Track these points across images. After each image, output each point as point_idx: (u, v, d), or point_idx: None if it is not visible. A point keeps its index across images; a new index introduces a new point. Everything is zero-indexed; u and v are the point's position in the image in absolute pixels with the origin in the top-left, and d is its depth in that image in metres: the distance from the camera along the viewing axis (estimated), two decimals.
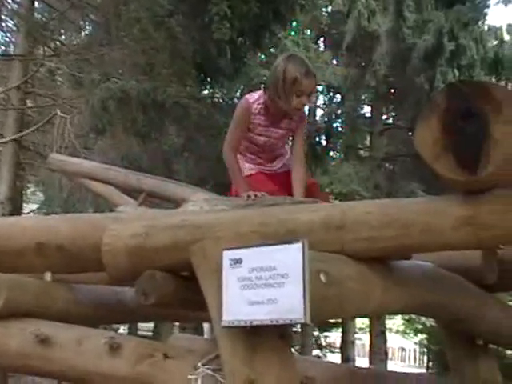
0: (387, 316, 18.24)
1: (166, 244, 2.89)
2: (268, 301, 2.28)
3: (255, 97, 3.92)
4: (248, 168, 4.11)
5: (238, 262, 2.38)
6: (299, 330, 19.84)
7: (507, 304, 3.93)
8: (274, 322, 2.26)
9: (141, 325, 18.66)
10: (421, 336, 27.69)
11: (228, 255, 2.41)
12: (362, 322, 27.13)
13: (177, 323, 15.29)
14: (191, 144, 13.99)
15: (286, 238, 2.44)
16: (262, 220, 2.84)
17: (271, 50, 15.54)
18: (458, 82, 2.70)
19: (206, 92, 15.57)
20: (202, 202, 3.54)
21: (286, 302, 2.24)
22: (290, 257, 2.29)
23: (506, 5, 19.07)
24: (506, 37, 13.77)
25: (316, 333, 24.80)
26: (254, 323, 2.29)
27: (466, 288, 3.27)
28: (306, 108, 4.23)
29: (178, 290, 2.87)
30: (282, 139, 4.09)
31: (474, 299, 3.33)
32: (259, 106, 3.87)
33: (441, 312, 3.24)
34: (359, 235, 2.68)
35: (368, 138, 19.36)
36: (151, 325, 18.92)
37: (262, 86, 4.07)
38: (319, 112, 19.75)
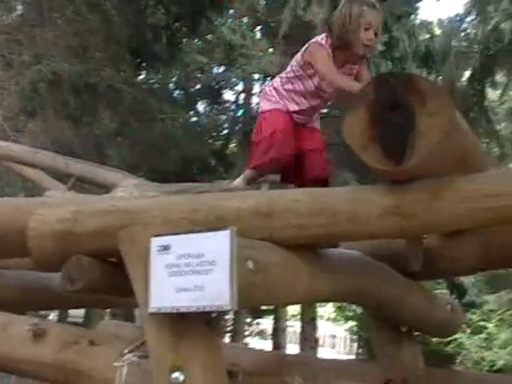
0: (319, 303, 18.45)
1: (94, 229, 2.86)
2: (195, 288, 2.28)
3: (323, 40, 3.80)
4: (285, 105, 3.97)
5: (166, 248, 2.37)
6: (232, 316, 19.89)
7: (432, 292, 4.04)
8: (201, 309, 2.26)
9: (71, 311, 18.40)
10: (351, 323, 28.16)
11: (156, 241, 2.40)
12: (294, 309, 27.38)
13: (108, 310, 15.15)
14: (125, 129, 13.84)
15: (214, 225, 2.45)
16: (191, 206, 2.83)
17: (207, 36, 15.46)
18: (386, 74, 2.76)
19: (141, 77, 15.40)
20: (132, 188, 3.51)
21: (214, 288, 2.25)
22: (218, 244, 2.29)
23: (437, 0, 19.46)
24: (437, 31, 14.05)
25: (248, 320, 24.92)
26: (181, 310, 2.29)
27: (391, 276, 3.34)
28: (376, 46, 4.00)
29: (105, 276, 2.85)
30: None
31: (399, 287, 3.40)
32: (329, 50, 3.76)
33: (367, 299, 3.30)
34: (288, 223, 2.70)
35: None
36: (82, 311, 18.68)
37: (326, 30, 3.87)
38: (255, 100, 19.75)
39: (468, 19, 13.03)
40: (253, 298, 2.45)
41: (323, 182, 3.80)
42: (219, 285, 2.23)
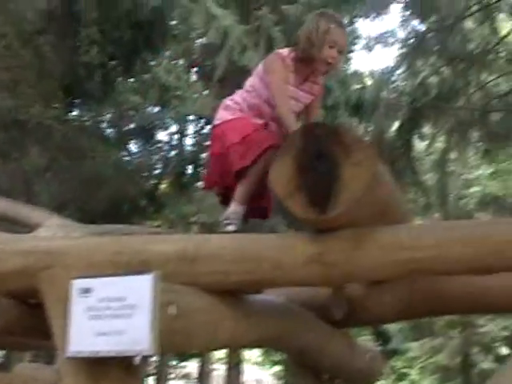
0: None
1: (14, 269, 2.79)
2: (115, 332, 2.25)
3: (286, 52, 3.71)
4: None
5: (86, 291, 2.34)
6: (156, 359, 19.57)
7: (353, 340, 4.07)
8: (121, 354, 2.24)
9: None
10: (278, 368, 28.02)
11: (77, 284, 2.37)
12: (220, 353, 27.12)
13: (28, 352, 14.69)
14: (54, 165, 13.62)
15: (138, 269, 2.43)
16: (116, 249, 2.81)
17: (142, 76, 15.46)
18: (313, 124, 2.82)
19: (73, 114, 15.24)
20: (56, 228, 3.45)
21: (134, 333, 2.23)
22: (140, 288, 2.28)
23: (368, 51, 20.03)
24: (369, 82, 14.42)
25: (173, 362, 24.54)
26: (100, 355, 2.26)
27: (314, 323, 3.37)
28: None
29: (23, 318, 2.79)
30: (301, 107, 3.80)
31: (321, 334, 3.43)
32: (291, 63, 3.66)
33: (288, 345, 3.31)
34: (213, 268, 2.71)
35: None
36: (0, 352, 18.06)
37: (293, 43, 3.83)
38: (188, 141, 19.78)
39: (398, 72, 13.42)
40: (174, 344, 2.44)
41: None
42: (140, 329, 2.21)
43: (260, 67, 3.78)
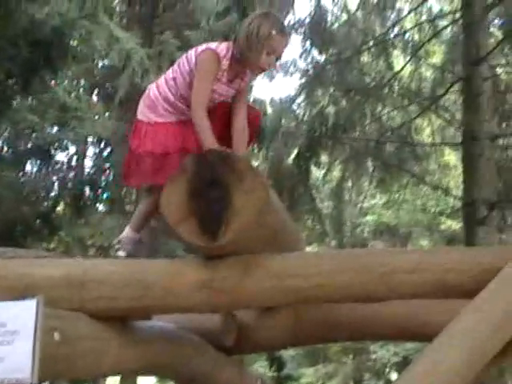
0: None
1: None
2: None
3: (223, 51, 3.51)
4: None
5: None
6: None
7: (244, 367, 4.09)
8: (0, 382, 2.16)
9: None
10: None
11: None
12: (115, 379, 26.51)
13: None
14: None
15: (21, 294, 2.37)
16: None
17: (41, 95, 15.11)
18: (206, 151, 2.83)
19: None
20: None
21: (14, 360, 2.16)
22: (22, 313, 2.22)
23: (270, 80, 20.31)
24: (269, 110, 14.63)
25: None
26: None
27: (204, 350, 3.36)
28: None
29: None
30: (226, 98, 3.64)
31: (211, 362, 3.42)
32: (227, 62, 3.50)
33: (178, 373, 3.29)
34: (101, 294, 2.67)
35: (134, 193, 19.33)
36: None
37: (232, 38, 3.62)
38: (88, 163, 19.43)
39: (298, 101, 13.70)
40: (56, 371, 2.39)
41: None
42: (21, 356, 2.15)
43: (189, 58, 3.55)
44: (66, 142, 17.89)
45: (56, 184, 17.72)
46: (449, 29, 13.08)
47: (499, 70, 12.06)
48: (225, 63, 3.47)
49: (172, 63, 12.73)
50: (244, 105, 3.67)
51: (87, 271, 2.71)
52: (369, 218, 21.34)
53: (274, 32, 3.39)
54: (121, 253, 3.37)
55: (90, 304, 2.67)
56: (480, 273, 2.51)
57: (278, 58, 3.51)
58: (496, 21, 12.29)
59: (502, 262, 2.49)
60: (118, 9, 18.15)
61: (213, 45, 3.53)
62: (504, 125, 12.25)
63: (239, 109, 3.62)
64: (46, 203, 16.89)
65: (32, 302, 2.23)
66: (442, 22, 13.04)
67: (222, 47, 3.50)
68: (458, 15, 11.67)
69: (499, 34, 11.98)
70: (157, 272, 2.72)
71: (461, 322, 2.41)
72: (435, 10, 14.43)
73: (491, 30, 11.62)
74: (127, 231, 3.54)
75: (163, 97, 3.61)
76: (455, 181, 15.31)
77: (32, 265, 2.82)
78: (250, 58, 3.44)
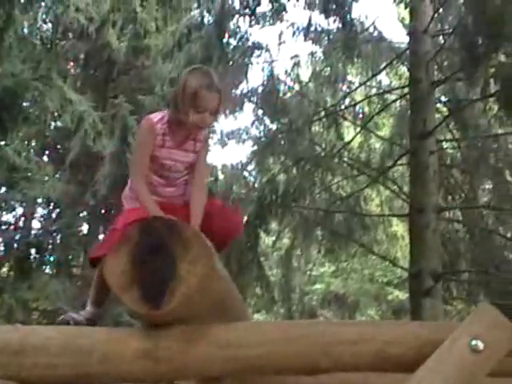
0: None
1: None
2: None
3: (158, 116, 3.42)
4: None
5: None
6: None
7: None
8: None
9: None
10: None
11: None
12: None
13: None
14: None
15: None
16: None
17: None
18: (150, 218, 2.83)
19: None
20: None
21: None
22: None
23: (222, 147, 20.54)
24: (221, 176, 14.73)
25: None
26: None
27: None
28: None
29: None
30: (188, 164, 3.50)
31: None
32: (164, 126, 3.37)
33: None
34: (38, 361, 2.60)
35: (82, 256, 19.09)
36: None
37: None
38: (36, 225, 19.16)
39: (249, 168, 13.83)
40: None
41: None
42: None
43: None
44: (13, 203, 17.66)
45: (1, 245, 17.38)
46: (397, 103, 13.47)
47: (445, 145, 12.41)
48: (161, 127, 3.40)
49: (125, 127, 12.72)
50: (201, 169, 3.53)
51: (25, 338, 2.64)
52: (317, 286, 21.41)
53: (199, 89, 3.28)
54: (64, 318, 3.26)
55: (26, 372, 2.59)
56: (419, 347, 2.54)
57: (215, 113, 3.38)
58: (442, 97, 12.69)
59: (441, 336, 2.52)
60: (72, 71, 18.26)
61: (153, 113, 3.52)
62: (449, 198, 12.53)
63: (197, 173, 3.50)
64: None
65: None
66: (391, 96, 13.43)
67: (159, 113, 3.48)
68: (406, 90, 12.04)
69: (445, 110, 12.36)
70: (96, 339, 2.67)
71: None
72: (385, 83, 14.91)
73: (438, 105, 11.98)
74: (88, 308, 3.41)
75: (129, 186, 3.61)
76: (403, 251, 15.50)
77: None
78: (180, 117, 3.35)
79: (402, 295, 18.87)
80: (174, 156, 3.44)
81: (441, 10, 11.49)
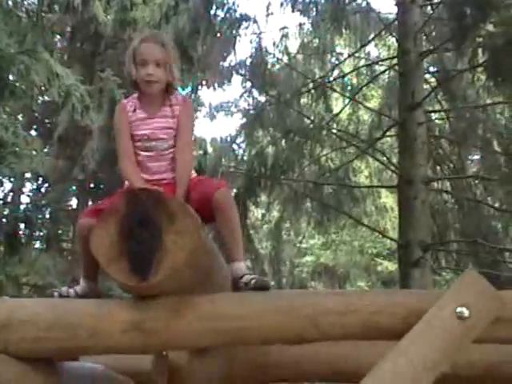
0: None
1: None
2: None
3: (130, 97, 3.47)
4: None
5: None
6: None
7: None
8: None
9: None
10: None
11: None
12: None
13: None
14: None
15: None
16: None
17: None
18: (138, 190, 2.81)
19: None
20: None
21: None
22: None
23: (211, 119, 20.48)
24: (210, 149, 14.70)
25: None
26: None
27: None
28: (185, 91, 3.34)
29: None
30: (168, 130, 3.39)
31: None
32: (134, 102, 3.41)
33: None
34: (25, 335, 2.60)
35: (72, 231, 19.07)
36: None
37: None
38: (24, 199, 19.11)
39: (238, 141, 13.79)
40: None
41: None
42: None
43: None
44: (1, 178, 17.59)
45: None
46: (386, 74, 13.42)
47: (434, 116, 12.40)
48: (131, 104, 3.42)
49: (112, 101, 12.62)
50: (183, 134, 3.40)
51: (12, 312, 2.64)
52: (307, 258, 21.51)
53: (136, 44, 3.34)
54: (55, 293, 3.17)
55: (13, 346, 2.60)
56: (407, 315, 2.55)
57: (161, 64, 3.32)
58: (431, 68, 12.66)
59: (428, 304, 2.53)
60: (58, 45, 18.09)
61: None
62: (438, 169, 12.55)
63: (178, 139, 3.39)
64: None
65: None
66: (380, 68, 13.38)
67: (133, 94, 3.49)
68: (394, 61, 12.00)
69: (433, 81, 12.34)
70: (84, 313, 2.67)
71: (386, 364, 2.44)
72: (373, 55, 14.86)
73: (426, 76, 11.96)
74: (82, 283, 3.32)
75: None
76: (392, 223, 15.58)
77: None
78: (132, 78, 3.36)
79: (391, 266, 19.00)
80: (149, 125, 3.39)
81: None
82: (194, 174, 3.47)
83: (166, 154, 3.38)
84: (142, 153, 3.41)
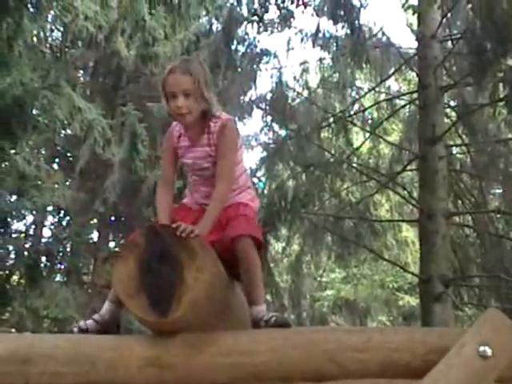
0: None
1: None
2: None
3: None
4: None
5: None
6: None
7: None
8: None
9: None
10: None
11: None
12: None
13: None
14: None
15: None
16: None
17: (0, 164, 15.03)
18: (158, 225, 2.83)
19: None
20: None
21: None
22: None
23: None
24: None
25: None
26: None
27: None
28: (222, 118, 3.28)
29: None
30: (209, 159, 3.37)
31: None
32: (180, 127, 3.40)
33: None
34: (45, 369, 2.61)
35: (92, 264, 19.13)
36: None
37: None
38: (46, 232, 19.24)
39: (258, 174, 13.81)
40: None
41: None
42: None
43: None
44: (23, 211, 17.72)
45: (12, 253, 17.44)
46: (406, 108, 13.44)
47: (454, 150, 12.37)
48: (178, 130, 3.43)
49: (134, 134, 12.69)
50: (220, 163, 3.31)
51: (33, 346, 2.65)
52: (328, 292, 21.35)
53: (165, 75, 3.30)
54: (75, 329, 3.13)
55: (34, 380, 2.60)
56: (427, 353, 2.52)
57: (187, 94, 3.23)
58: (451, 102, 12.66)
59: (449, 342, 2.50)
60: (81, 80, 18.34)
61: None
62: (459, 203, 12.48)
63: (217, 170, 3.31)
64: (0, 273, 16.59)
65: None
66: (400, 102, 13.40)
67: None
68: (415, 95, 12.01)
69: (454, 115, 12.32)
70: (103, 347, 2.67)
71: None
72: (394, 89, 14.89)
73: (446, 110, 11.95)
74: (105, 305, 3.16)
75: None
76: (413, 257, 15.45)
77: None
78: (166, 110, 3.35)
79: (412, 301, 18.79)
80: (192, 153, 3.40)
81: (449, 14, 11.44)
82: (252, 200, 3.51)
83: (212, 180, 3.35)
84: (193, 176, 3.49)
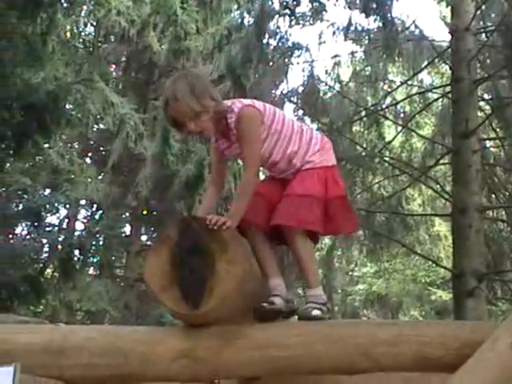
0: None
1: None
2: None
3: None
4: None
5: None
6: None
7: None
8: None
9: None
10: None
11: None
12: None
13: None
14: None
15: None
16: None
17: (34, 158, 15.22)
18: (190, 218, 2.84)
19: None
20: None
21: None
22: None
23: None
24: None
25: None
26: None
27: None
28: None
29: None
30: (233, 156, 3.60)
31: None
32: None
33: None
34: (79, 361, 2.64)
35: (125, 257, 19.29)
36: None
37: None
38: (79, 226, 19.43)
39: None
40: None
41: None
42: None
43: None
44: (57, 204, 17.90)
45: (46, 246, 17.63)
46: (439, 101, 13.30)
47: (488, 143, 12.22)
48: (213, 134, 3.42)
49: (166, 129, 12.71)
50: (244, 158, 3.35)
51: (66, 338, 2.68)
52: (360, 286, 21.27)
53: (165, 110, 3.28)
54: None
55: (68, 371, 2.64)
56: (460, 347, 2.51)
57: (190, 118, 3.19)
58: (485, 95, 12.50)
59: (482, 336, 2.48)
60: (114, 74, 18.48)
61: None
62: (493, 197, 12.34)
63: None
64: (34, 266, 16.78)
65: (8, 369, 2.20)
66: (433, 95, 13.27)
67: None
68: (447, 89, 11.89)
69: (488, 108, 12.18)
70: (136, 340, 2.70)
71: None
72: (426, 82, 14.74)
73: (480, 104, 11.81)
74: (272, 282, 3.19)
75: None
76: (446, 251, 15.31)
77: (13, 330, 2.79)
78: None
79: (445, 295, 18.64)
80: (233, 151, 3.44)
81: (483, 7, 11.29)
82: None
83: (268, 160, 3.42)
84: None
